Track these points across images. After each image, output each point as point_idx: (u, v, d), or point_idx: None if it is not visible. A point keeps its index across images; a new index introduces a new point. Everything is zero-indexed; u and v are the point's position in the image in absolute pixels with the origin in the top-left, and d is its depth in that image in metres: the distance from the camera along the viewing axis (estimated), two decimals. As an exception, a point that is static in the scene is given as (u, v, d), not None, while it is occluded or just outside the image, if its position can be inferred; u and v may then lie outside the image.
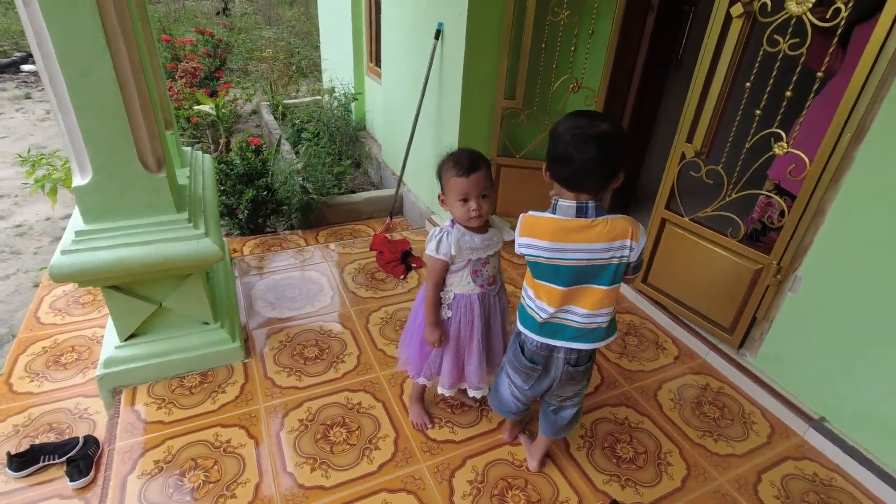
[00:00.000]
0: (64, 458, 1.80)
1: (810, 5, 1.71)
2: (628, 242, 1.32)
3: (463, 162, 1.47)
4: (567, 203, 1.32)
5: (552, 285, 1.38)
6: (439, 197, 1.56)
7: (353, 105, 4.90)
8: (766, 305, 2.13)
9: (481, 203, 1.49)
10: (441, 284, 1.65)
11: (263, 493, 1.66)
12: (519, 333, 1.55)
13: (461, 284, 1.63)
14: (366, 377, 2.15)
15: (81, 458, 1.80)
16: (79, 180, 1.70)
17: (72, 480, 1.75)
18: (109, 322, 2.08)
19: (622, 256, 1.33)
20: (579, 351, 1.47)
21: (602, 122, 1.27)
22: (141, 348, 2.00)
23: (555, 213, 1.34)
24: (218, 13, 11.70)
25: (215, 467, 1.72)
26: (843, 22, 1.66)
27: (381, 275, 2.90)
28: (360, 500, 1.65)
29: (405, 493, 1.68)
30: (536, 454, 1.79)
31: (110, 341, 2.02)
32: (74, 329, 2.47)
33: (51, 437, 1.92)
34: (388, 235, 3.30)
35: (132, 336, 2.01)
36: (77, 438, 1.87)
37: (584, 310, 1.40)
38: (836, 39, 1.72)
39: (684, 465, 1.86)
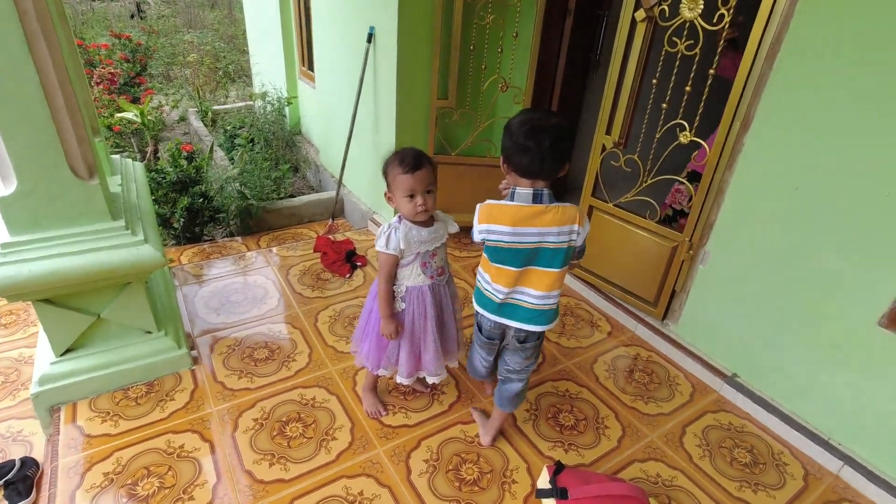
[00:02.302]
0: (1, 482, 1.71)
1: (699, 11, 1.95)
2: (576, 227, 1.47)
3: (408, 160, 1.56)
4: (524, 191, 1.45)
5: (508, 267, 1.51)
6: (385, 194, 1.64)
7: (287, 109, 4.85)
8: (683, 279, 2.37)
9: (426, 198, 1.59)
10: (393, 278, 1.72)
11: (222, 492, 1.66)
12: (476, 314, 1.69)
13: (412, 277, 1.71)
14: (318, 373, 2.19)
15: (20, 480, 1.71)
16: (1, 190, 1.64)
17: (11, 504, 1.68)
18: (41, 337, 1.99)
19: (571, 240, 1.48)
20: (528, 330, 1.61)
21: (552, 116, 1.44)
22: (79, 362, 1.93)
23: (513, 201, 1.47)
24: (132, 16, 11.05)
25: (169, 473, 1.71)
26: (727, 26, 1.91)
27: (326, 275, 2.93)
28: (321, 488, 1.70)
29: (364, 477, 1.75)
30: (490, 430, 1.90)
31: (44, 357, 1.93)
32: (-2, 351, 2.33)
33: (-18, 464, 1.82)
34: (330, 237, 3.32)
35: (68, 350, 1.93)
36: (13, 461, 1.78)
37: (538, 291, 1.53)
38: (721, 44, 1.97)
39: (620, 427, 2.05)
